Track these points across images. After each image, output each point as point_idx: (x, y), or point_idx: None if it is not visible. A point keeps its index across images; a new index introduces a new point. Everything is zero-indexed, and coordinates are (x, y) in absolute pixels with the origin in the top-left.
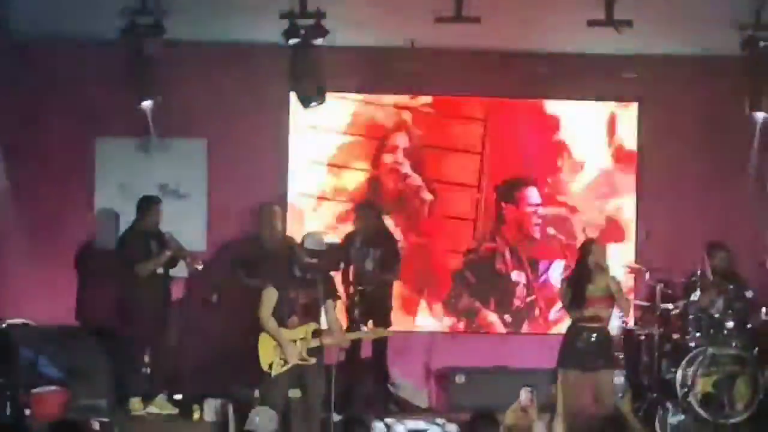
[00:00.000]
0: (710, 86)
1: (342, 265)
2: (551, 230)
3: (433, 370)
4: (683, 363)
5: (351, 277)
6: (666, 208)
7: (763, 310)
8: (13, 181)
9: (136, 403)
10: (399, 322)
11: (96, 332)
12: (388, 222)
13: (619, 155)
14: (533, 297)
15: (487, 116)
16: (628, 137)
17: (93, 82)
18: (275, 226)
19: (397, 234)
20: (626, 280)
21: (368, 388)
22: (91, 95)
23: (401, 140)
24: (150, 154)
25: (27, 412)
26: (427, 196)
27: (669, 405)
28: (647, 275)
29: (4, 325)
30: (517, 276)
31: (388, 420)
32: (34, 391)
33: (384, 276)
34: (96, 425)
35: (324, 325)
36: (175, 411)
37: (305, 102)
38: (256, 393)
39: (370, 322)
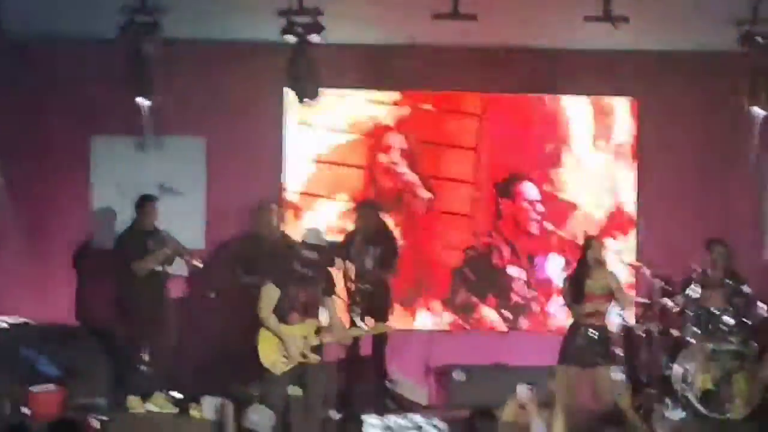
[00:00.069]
0: (708, 82)
1: (340, 263)
2: (549, 225)
3: (433, 368)
4: (682, 359)
5: (351, 275)
6: (665, 204)
7: (762, 306)
8: (10, 179)
9: (134, 402)
10: (399, 319)
11: (94, 331)
12: (387, 220)
13: (618, 152)
14: (532, 292)
15: (483, 112)
16: (626, 134)
17: (90, 81)
18: (272, 223)
19: (396, 232)
20: (626, 277)
21: (367, 386)
22: (88, 94)
23: (398, 138)
24: (147, 152)
25: (26, 410)
26: (425, 194)
27: (668, 401)
28: (647, 272)
29: (2, 325)
30: (514, 271)
31: (388, 417)
32: (33, 389)
33: (383, 274)
34: (95, 424)
35: (324, 323)
36: (174, 409)
37: (302, 99)
38: (255, 391)
39: (369, 320)
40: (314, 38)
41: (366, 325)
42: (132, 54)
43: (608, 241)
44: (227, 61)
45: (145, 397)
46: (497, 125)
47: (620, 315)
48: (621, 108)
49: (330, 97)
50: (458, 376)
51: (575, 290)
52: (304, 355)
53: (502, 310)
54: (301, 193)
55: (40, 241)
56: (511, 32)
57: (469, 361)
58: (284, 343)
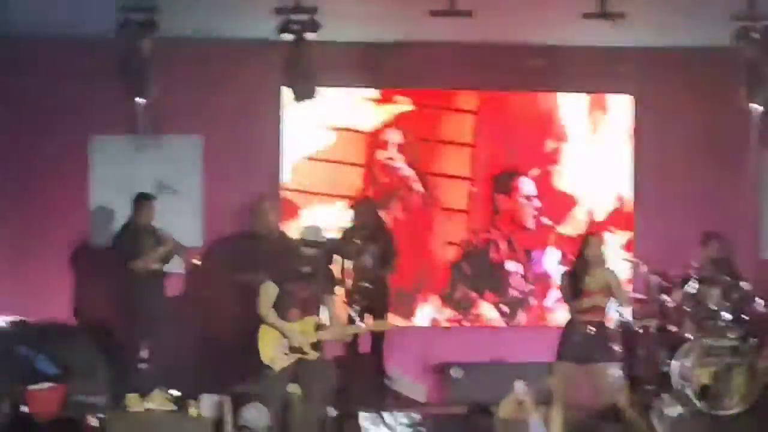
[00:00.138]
0: (705, 78)
1: (339, 260)
2: (546, 220)
3: (430, 365)
4: (680, 355)
5: (349, 273)
6: (662, 200)
7: (760, 302)
8: (9, 178)
9: (133, 400)
10: (398, 317)
11: (92, 329)
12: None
13: (615, 148)
14: (529, 287)
15: (480, 109)
16: (624, 130)
17: (88, 80)
18: (270, 221)
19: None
20: (624, 273)
21: (366, 383)
22: (85, 93)
23: (395, 135)
24: (145, 151)
25: (24, 409)
26: (422, 190)
27: (666, 397)
28: (644, 268)
29: (0, 323)
30: (511, 266)
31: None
32: (31, 388)
33: (382, 271)
34: (93, 422)
35: (324, 320)
36: (173, 407)
37: (299, 97)
38: (253, 389)
39: (368, 317)
40: (311, 36)
41: (365, 322)
42: (129, 53)
43: (606, 238)
44: (224, 59)
45: (144, 395)
46: (494, 122)
47: (618, 311)
48: (618, 104)
49: (328, 95)
50: (456, 373)
51: (573, 286)
52: (303, 351)
53: (500, 306)
54: (299, 191)
55: (38, 239)
56: (508, 29)
57: (467, 358)
58: (286, 336)
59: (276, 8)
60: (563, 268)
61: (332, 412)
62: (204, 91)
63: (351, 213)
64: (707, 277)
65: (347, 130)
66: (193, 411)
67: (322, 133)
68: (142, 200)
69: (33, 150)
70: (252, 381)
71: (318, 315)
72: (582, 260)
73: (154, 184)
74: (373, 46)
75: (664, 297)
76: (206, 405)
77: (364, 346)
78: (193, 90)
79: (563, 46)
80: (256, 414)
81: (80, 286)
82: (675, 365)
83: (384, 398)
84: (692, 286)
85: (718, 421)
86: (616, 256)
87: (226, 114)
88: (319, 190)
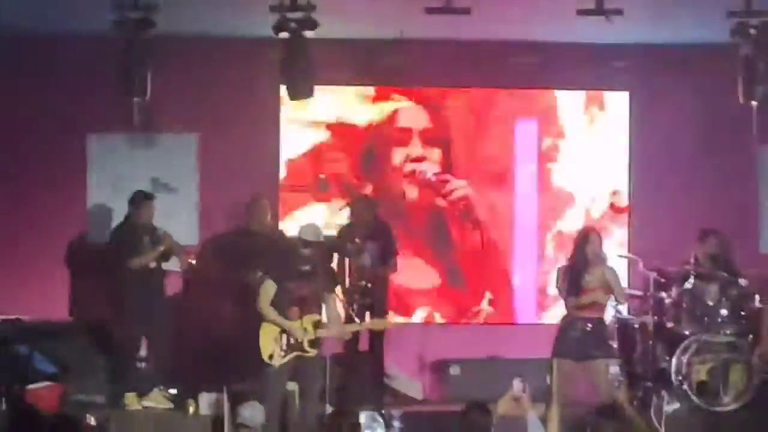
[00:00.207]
0: (702, 74)
1: (337, 258)
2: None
3: (428, 362)
4: (678, 351)
5: (349, 271)
6: (659, 196)
7: (757, 297)
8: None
9: (131, 399)
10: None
11: (91, 328)
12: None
13: (612, 144)
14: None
15: (477, 106)
16: (620, 127)
17: (84, 78)
18: (265, 218)
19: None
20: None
21: (365, 381)
22: (82, 91)
23: (393, 132)
24: (141, 149)
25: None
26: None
27: (664, 393)
28: (641, 264)
29: None
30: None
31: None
32: (30, 387)
33: (382, 269)
34: (92, 421)
35: (324, 318)
36: (171, 405)
37: (295, 95)
38: (251, 387)
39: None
40: (308, 35)
41: (365, 320)
42: (126, 51)
43: (604, 234)
44: (220, 57)
45: (142, 393)
46: (491, 119)
47: (615, 308)
48: (615, 101)
49: (325, 93)
50: (454, 370)
51: (572, 283)
52: (303, 349)
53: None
54: (296, 189)
55: (36, 238)
56: (504, 26)
57: (465, 355)
58: (287, 332)
59: (272, 6)
60: (561, 265)
61: (330, 410)
62: (201, 90)
63: (349, 211)
64: (705, 274)
65: (345, 128)
66: (191, 409)
67: (318, 131)
68: (141, 199)
69: (30, 148)
70: (250, 379)
71: (318, 313)
72: (581, 257)
73: (150, 182)
74: (369, 43)
75: (662, 293)
76: (204, 403)
77: (363, 344)
78: (189, 88)
79: (559, 43)
80: (253, 412)
81: (78, 284)
82: (673, 361)
83: (382, 396)
84: (690, 283)
85: (716, 417)
86: (613, 253)
87: (223, 112)
88: (317, 188)
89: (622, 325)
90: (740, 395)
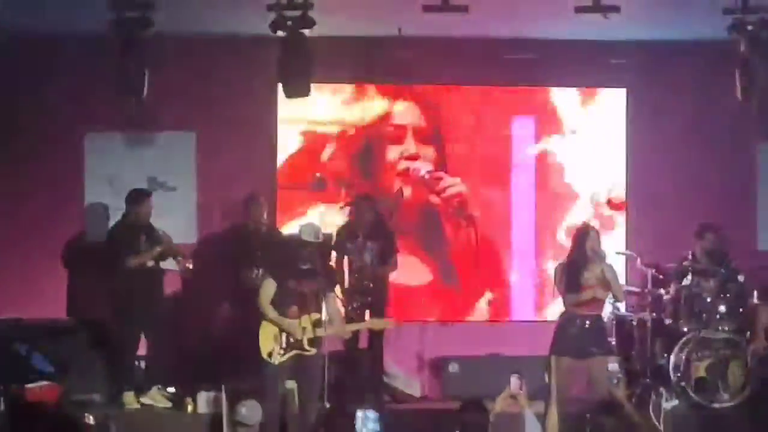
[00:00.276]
0: (699, 71)
1: (336, 256)
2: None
3: (426, 360)
4: (676, 348)
5: (349, 270)
6: (657, 193)
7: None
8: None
9: (130, 397)
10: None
11: (89, 326)
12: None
13: (609, 141)
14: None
15: (475, 103)
16: (617, 123)
17: (81, 77)
18: (262, 217)
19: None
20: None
21: (364, 379)
22: (79, 90)
23: (391, 130)
24: (139, 147)
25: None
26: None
27: (662, 390)
28: (639, 261)
29: None
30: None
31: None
32: (28, 386)
33: (382, 268)
34: (91, 420)
35: (324, 317)
36: (169, 404)
37: (292, 93)
38: (250, 385)
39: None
40: (305, 33)
41: (365, 320)
42: (123, 49)
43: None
44: (217, 55)
45: (141, 392)
46: (488, 116)
47: (612, 304)
48: (612, 98)
49: (323, 91)
50: (452, 367)
51: (570, 280)
52: (302, 347)
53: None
54: (294, 187)
55: (33, 237)
56: (501, 23)
57: (463, 353)
58: (286, 331)
59: (269, 5)
60: (559, 262)
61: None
62: (198, 87)
63: (350, 210)
64: (702, 270)
65: (342, 125)
66: (189, 408)
67: (316, 129)
68: (139, 197)
69: (27, 147)
70: (249, 377)
71: (317, 312)
72: (580, 254)
73: (147, 180)
74: (368, 41)
75: (660, 290)
76: (203, 402)
77: (362, 342)
78: (186, 86)
79: (556, 40)
80: (251, 410)
81: (75, 283)
82: (671, 358)
83: (381, 394)
84: (687, 279)
85: (715, 413)
86: (611, 250)
87: (220, 110)
88: (314, 186)
89: (620, 321)
90: (738, 392)
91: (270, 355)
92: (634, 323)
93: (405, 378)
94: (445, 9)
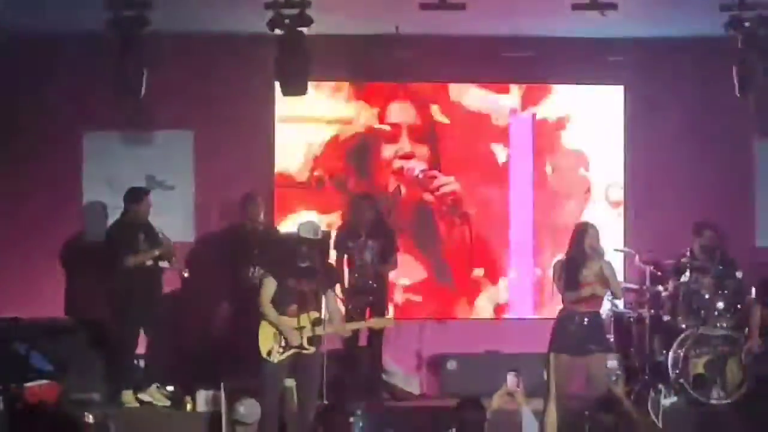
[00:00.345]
0: (697, 68)
1: (336, 255)
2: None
3: (425, 357)
4: (674, 345)
5: (350, 268)
6: (655, 190)
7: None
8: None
9: (128, 396)
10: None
11: (87, 325)
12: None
13: (607, 138)
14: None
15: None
16: (615, 120)
17: (79, 76)
18: (259, 216)
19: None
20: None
21: (363, 377)
22: (77, 89)
23: (389, 129)
24: (137, 146)
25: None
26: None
27: (661, 387)
28: (637, 258)
29: None
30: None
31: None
32: (27, 385)
33: (383, 267)
34: (90, 418)
35: (324, 315)
36: (168, 402)
37: (290, 92)
38: (248, 383)
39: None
40: (303, 31)
41: (366, 318)
42: (120, 49)
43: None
44: (215, 53)
45: (140, 390)
46: (486, 114)
47: (611, 301)
48: (610, 95)
49: (318, 89)
50: (451, 365)
51: (569, 277)
52: (302, 346)
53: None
54: (292, 186)
55: (32, 236)
56: (499, 21)
57: (461, 350)
58: (283, 333)
59: (267, 3)
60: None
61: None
62: (195, 86)
63: (351, 208)
64: (700, 267)
65: (340, 124)
66: (188, 406)
67: (313, 128)
68: (134, 195)
69: (25, 146)
70: (248, 376)
71: (317, 310)
72: (579, 251)
73: (146, 179)
74: (366, 39)
75: (658, 287)
76: (202, 400)
77: (362, 341)
78: (184, 84)
79: (554, 38)
80: (249, 409)
81: (74, 282)
82: (669, 355)
83: (380, 392)
84: (686, 276)
85: (713, 410)
86: (609, 247)
87: (218, 108)
88: (312, 185)
89: (619, 318)
90: (736, 388)
91: (269, 353)
92: (633, 320)
93: (404, 376)
94: (443, 7)
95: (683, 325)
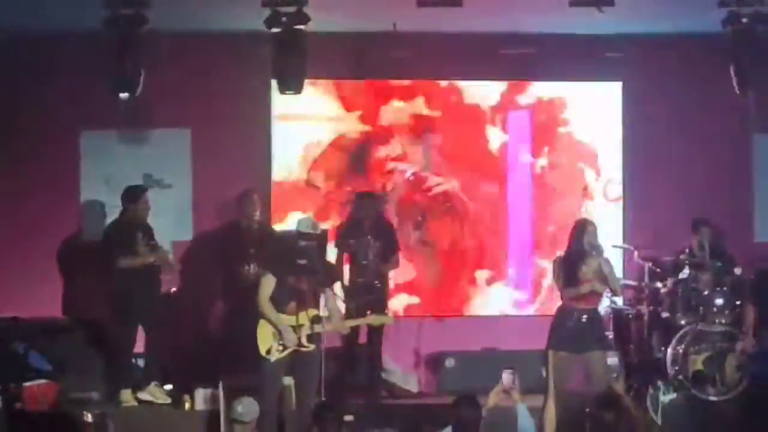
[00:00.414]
0: (694, 64)
1: (337, 253)
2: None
3: (423, 355)
4: (673, 341)
5: (350, 266)
6: (653, 186)
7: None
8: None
9: (127, 395)
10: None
11: (86, 324)
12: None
13: (605, 135)
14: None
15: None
16: (613, 117)
17: (76, 75)
18: (255, 214)
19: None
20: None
21: (361, 375)
22: (74, 88)
23: (388, 128)
24: (134, 145)
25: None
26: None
27: (660, 383)
28: (635, 254)
29: None
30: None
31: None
32: (26, 384)
33: (384, 266)
34: (89, 417)
35: (323, 313)
36: (167, 401)
37: (287, 90)
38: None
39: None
40: (300, 29)
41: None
42: (117, 47)
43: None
44: (212, 51)
45: (138, 389)
46: (484, 112)
47: (610, 298)
48: (608, 92)
49: (315, 87)
50: (449, 362)
51: (568, 274)
52: (300, 344)
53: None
54: (290, 184)
55: (29, 235)
56: (496, 18)
57: (460, 348)
58: (280, 332)
59: (264, 1)
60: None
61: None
62: (192, 84)
63: (352, 206)
64: (699, 263)
65: (339, 122)
66: (187, 405)
67: (311, 126)
68: (132, 194)
69: (22, 146)
70: (245, 374)
71: (316, 308)
72: (577, 248)
73: (143, 178)
74: (363, 36)
75: (657, 283)
76: (200, 398)
77: (361, 338)
78: (181, 83)
79: (551, 34)
80: (247, 407)
81: (71, 281)
82: (668, 351)
83: (378, 389)
84: (684, 272)
85: (712, 406)
86: (608, 243)
87: (215, 106)
88: (311, 184)
89: (618, 315)
90: (735, 384)
91: (268, 352)
92: (632, 317)
93: (402, 373)
94: (440, 4)
95: (682, 322)
